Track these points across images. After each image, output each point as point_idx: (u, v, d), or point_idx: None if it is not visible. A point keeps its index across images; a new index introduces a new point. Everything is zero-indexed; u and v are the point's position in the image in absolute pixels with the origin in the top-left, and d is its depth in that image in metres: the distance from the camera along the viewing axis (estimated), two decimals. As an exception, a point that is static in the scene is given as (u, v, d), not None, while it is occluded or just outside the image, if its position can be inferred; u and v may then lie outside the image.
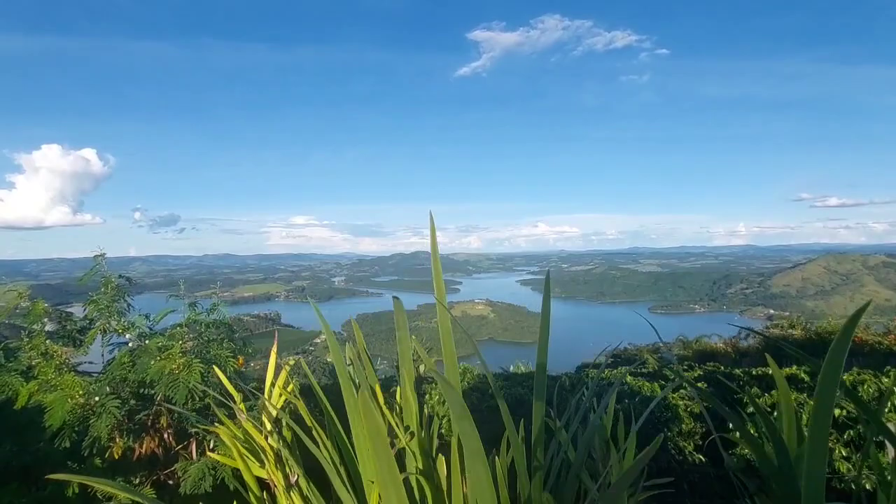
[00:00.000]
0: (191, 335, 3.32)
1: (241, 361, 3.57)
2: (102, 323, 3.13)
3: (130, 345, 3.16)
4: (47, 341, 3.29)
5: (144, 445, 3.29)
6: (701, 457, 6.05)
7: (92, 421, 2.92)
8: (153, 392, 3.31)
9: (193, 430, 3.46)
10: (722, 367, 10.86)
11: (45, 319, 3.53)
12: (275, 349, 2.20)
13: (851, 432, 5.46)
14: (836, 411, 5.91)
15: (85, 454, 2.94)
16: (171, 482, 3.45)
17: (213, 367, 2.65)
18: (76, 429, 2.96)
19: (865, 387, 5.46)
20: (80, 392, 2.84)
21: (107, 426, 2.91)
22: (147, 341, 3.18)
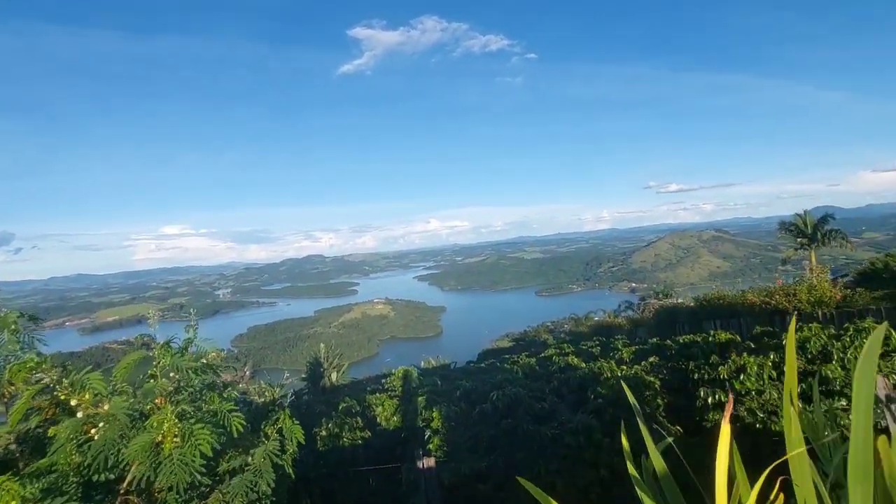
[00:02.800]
0: (172, 387, 2.35)
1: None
2: (31, 387, 2.04)
3: (80, 415, 2.12)
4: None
5: (111, 556, 2.26)
6: (679, 427, 6.36)
7: (33, 543, 1.87)
8: (115, 476, 2.29)
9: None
10: (657, 339, 11.78)
11: None
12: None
13: (804, 385, 6.14)
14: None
15: None
16: None
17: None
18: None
19: (813, 342, 6.18)
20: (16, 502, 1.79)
21: (59, 546, 1.89)
22: (105, 405, 2.16)
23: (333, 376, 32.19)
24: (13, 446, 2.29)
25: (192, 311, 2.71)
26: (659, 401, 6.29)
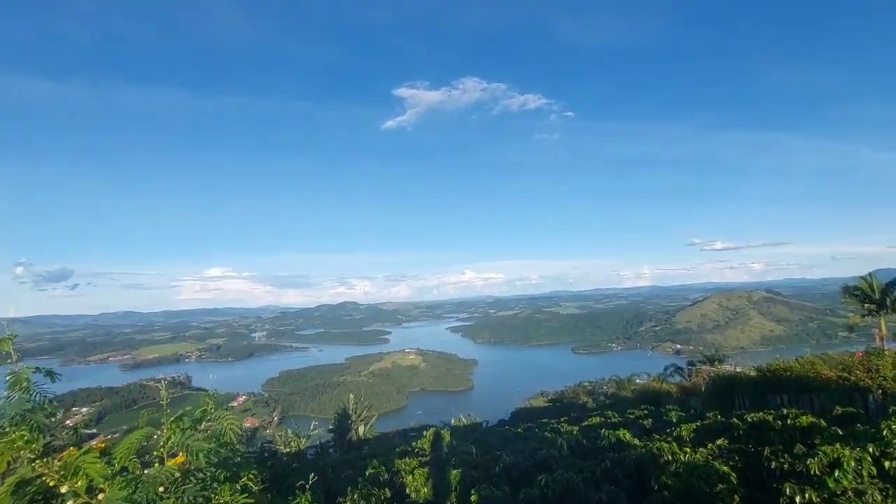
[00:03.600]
0: (179, 473, 2.00)
1: None
2: (25, 468, 1.73)
3: (70, 505, 1.78)
4: None
5: None
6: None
7: None
8: None
9: None
10: (717, 415, 10.60)
11: None
12: None
13: (915, 492, 5.09)
14: (887, 463, 5.60)
15: None
16: None
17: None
18: None
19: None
20: None
21: None
22: (101, 495, 1.82)
23: (361, 430, 31.01)
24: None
25: (210, 389, 2.41)
26: (736, 497, 5.36)
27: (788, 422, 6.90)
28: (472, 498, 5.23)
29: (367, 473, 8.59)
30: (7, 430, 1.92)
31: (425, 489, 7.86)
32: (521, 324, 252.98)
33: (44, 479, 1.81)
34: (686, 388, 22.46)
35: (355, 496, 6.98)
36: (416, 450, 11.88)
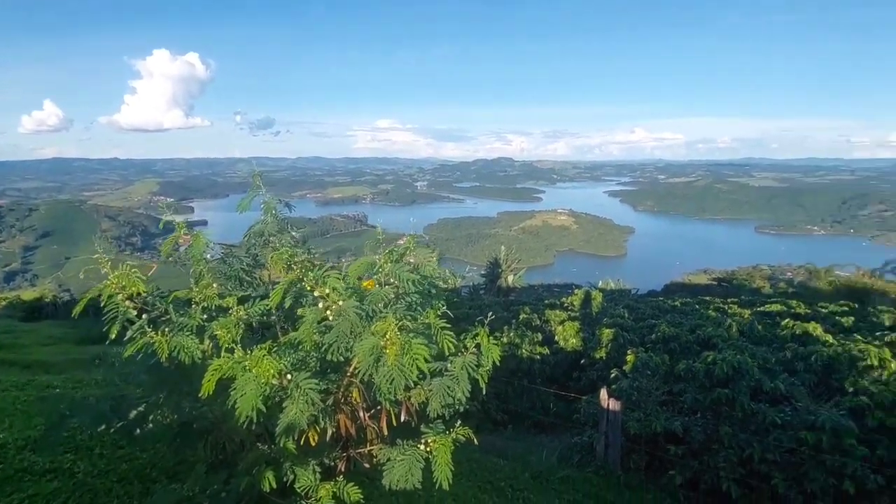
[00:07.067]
0: (392, 294, 2.42)
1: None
2: (292, 274, 2.28)
3: (321, 305, 2.32)
4: (215, 287, 2.60)
5: (340, 425, 2.63)
6: None
7: (286, 405, 2.23)
8: (344, 359, 2.57)
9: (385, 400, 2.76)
10: None
11: (208, 255, 2.84)
12: None
13: None
14: None
15: (279, 441, 2.31)
16: (366, 464, 2.86)
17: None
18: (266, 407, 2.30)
19: None
20: (274, 374, 2.09)
21: (303, 413, 2.21)
22: (340, 301, 2.32)
23: (510, 278, 33.63)
24: (273, 317, 2.71)
25: (411, 220, 2.67)
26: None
27: None
28: (628, 358, 5.41)
29: (520, 317, 9.53)
30: (277, 245, 2.51)
31: (574, 340, 8.42)
32: (697, 193, 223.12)
33: (303, 283, 2.34)
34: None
35: (511, 334, 7.93)
36: (566, 304, 12.49)
